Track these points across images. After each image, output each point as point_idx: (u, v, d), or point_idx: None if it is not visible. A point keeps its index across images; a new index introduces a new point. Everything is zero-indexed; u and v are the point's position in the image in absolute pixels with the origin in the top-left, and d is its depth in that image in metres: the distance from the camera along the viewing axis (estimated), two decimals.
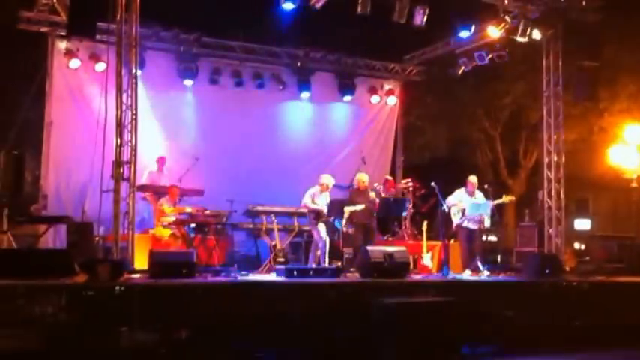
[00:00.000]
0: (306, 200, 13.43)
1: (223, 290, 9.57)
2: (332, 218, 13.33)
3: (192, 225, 13.38)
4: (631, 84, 21.12)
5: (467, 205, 13.82)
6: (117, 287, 8.76)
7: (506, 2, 15.10)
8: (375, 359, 9.79)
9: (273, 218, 14.26)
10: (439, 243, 14.63)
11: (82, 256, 10.15)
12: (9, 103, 15.39)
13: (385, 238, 15.03)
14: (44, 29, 15.01)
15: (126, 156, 11.42)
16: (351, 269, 12.55)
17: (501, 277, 13.28)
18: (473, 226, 13.88)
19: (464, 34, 15.56)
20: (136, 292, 8.78)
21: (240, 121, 17.43)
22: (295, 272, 11.07)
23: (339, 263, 12.95)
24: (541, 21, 15.33)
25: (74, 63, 15.28)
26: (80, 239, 11.64)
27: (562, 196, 15.76)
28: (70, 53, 15.24)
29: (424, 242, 14.00)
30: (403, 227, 15.59)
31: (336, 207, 13.34)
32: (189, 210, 13.45)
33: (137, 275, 10.49)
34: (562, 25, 15.68)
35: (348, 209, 13.57)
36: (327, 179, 13.70)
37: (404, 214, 15.32)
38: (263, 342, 9.38)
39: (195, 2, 16.10)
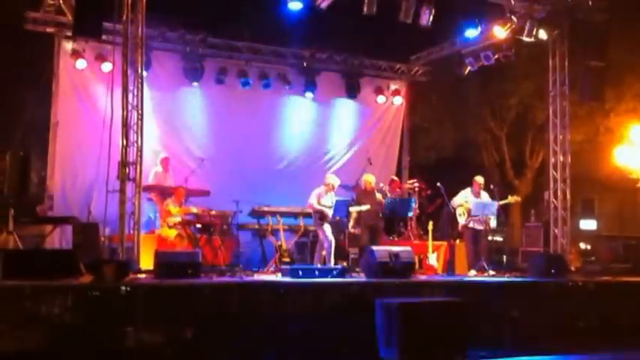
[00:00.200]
0: (312, 200, 13.43)
1: (229, 291, 9.56)
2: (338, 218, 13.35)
3: (198, 225, 13.39)
4: (637, 84, 21.10)
5: (472, 204, 13.81)
6: (122, 288, 8.78)
7: (512, 2, 15.08)
8: (380, 359, 9.80)
9: (279, 218, 14.27)
10: (445, 243, 14.64)
11: (88, 257, 10.17)
12: (15, 104, 15.41)
13: (391, 238, 15.03)
14: (50, 30, 15.03)
15: (132, 156, 11.42)
16: (357, 269, 12.55)
17: (507, 277, 13.24)
18: (479, 227, 13.87)
19: (471, 32, 15.51)
20: (141, 293, 8.79)
21: (246, 121, 17.44)
22: (301, 272, 11.08)
23: (345, 263, 12.95)
24: (547, 21, 15.33)
25: (80, 63, 15.30)
26: (86, 240, 11.67)
27: (568, 196, 15.74)
28: (76, 54, 15.25)
29: (430, 242, 14.00)
30: (409, 227, 15.59)
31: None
32: (195, 210, 13.46)
33: (143, 275, 10.52)
34: (568, 25, 15.66)
35: (353, 209, 13.59)
36: (333, 179, 13.70)
37: (409, 214, 15.31)
38: (268, 342, 9.40)
39: (201, 2, 16.11)
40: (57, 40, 15.19)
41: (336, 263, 13.09)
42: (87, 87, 15.54)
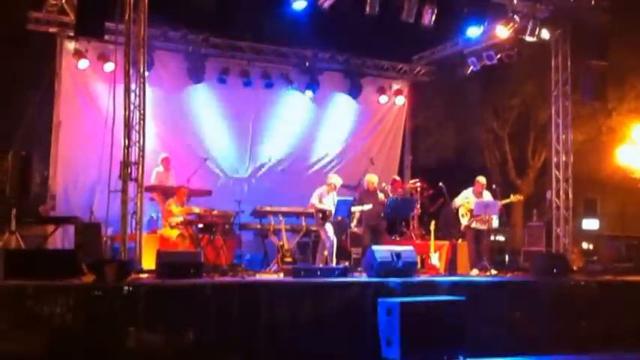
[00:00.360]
0: (314, 200, 13.42)
1: (231, 291, 9.57)
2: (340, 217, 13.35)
3: (200, 225, 13.36)
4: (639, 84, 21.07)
5: (474, 204, 13.79)
6: (124, 287, 8.78)
7: (515, 2, 15.07)
8: (382, 359, 9.80)
9: (281, 218, 14.29)
10: (447, 243, 14.63)
11: (90, 257, 10.17)
12: (17, 104, 15.39)
13: (393, 238, 15.02)
14: (53, 30, 15.06)
15: (134, 156, 11.42)
16: (359, 269, 12.55)
17: (509, 277, 13.24)
18: (481, 227, 13.85)
19: (473, 31, 15.48)
20: (143, 293, 8.80)
21: (248, 121, 17.48)
22: (303, 272, 11.06)
23: (347, 263, 12.95)
24: (550, 20, 15.32)
25: (82, 63, 15.33)
26: (88, 240, 11.65)
27: (570, 195, 15.73)
28: (78, 53, 15.28)
29: (432, 242, 13.99)
30: (411, 227, 15.58)
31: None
32: (197, 210, 13.45)
33: (145, 275, 10.50)
34: (571, 25, 15.65)
35: (355, 209, 13.60)
36: (335, 179, 13.70)
37: (412, 213, 15.31)
38: (269, 342, 9.40)
39: (203, 2, 16.10)
40: (59, 40, 15.23)
41: (337, 263, 13.09)
42: (89, 87, 15.57)
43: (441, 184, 14.67)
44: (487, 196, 14.03)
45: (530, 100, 22.23)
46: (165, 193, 14.16)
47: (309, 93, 18.00)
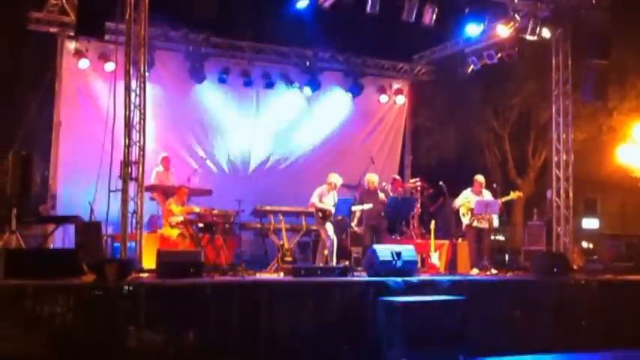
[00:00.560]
0: (314, 199, 13.41)
1: (231, 290, 9.57)
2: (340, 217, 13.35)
3: (200, 225, 13.36)
4: None
5: (475, 203, 13.78)
6: (125, 287, 8.79)
7: (515, 1, 15.09)
8: (383, 358, 9.80)
9: (281, 218, 14.29)
10: (447, 242, 14.63)
11: (90, 256, 10.17)
12: (18, 104, 15.42)
13: (393, 237, 15.02)
14: (53, 30, 15.09)
15: (134, 156, 11.42)
16: (359, 268, 12.55)
17: (509, 276, 13.24)
18: (482, 225, 13.83)
19: (472, 29, 15.47)
20: (143, 292, 8.80)
21: (248, 120, 17.49)
22: (303, 272, 11.06)
23: (347, 262, 12.94)
24: (551, 19, 15.32)
25: (83, 63, 15.35)
26: (88, 239, 11.64)
27: (571, 194, 15.72)
28: (79, 53, 15.30)
29: (432, 241, 13.99)
30: (411, 226, 15.58)
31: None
32: (197, 210, 13.46)
33: (145, 275, 10.50)
34: (572, 24, 15.64)
35: (356, 208, 13.60)
36: (335, 178, 13.69)
37: (412, 213, 15.31)
38: (270, 341, 9.41)
39: (204, 2, 16.10)
40: (60, 39, 15.25)
41: (338, 262, 13.09)
42: (90, 87, 15.60)
43: (441, 183, 14.66)
44: (487, 194, 14.03)
45: (531, 99, 22.26)
46: (166, 192, 14.15)
47: (309, 92, 18.00)
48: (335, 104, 18.76)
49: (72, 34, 14.94)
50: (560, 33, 15.71)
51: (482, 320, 10.64)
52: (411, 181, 17.01)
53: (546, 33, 15.39)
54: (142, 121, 11.65)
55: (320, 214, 13.39)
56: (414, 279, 11.10)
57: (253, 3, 16.17)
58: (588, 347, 11.33)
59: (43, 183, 14.99)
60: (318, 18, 15.06)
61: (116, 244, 12.65)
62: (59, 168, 15.17)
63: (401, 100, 19.29)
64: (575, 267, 14.56)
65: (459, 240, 14.74)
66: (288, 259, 13.28)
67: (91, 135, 14.28)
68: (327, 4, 14.09)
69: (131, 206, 11.33)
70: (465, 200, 13.95)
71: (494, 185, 14.43)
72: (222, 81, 17.01)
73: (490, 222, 13.83)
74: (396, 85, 19.29)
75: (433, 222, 14.25)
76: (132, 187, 11.36)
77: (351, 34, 17.88)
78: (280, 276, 11.82)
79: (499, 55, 16.44)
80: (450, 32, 17.19)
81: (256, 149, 17.54)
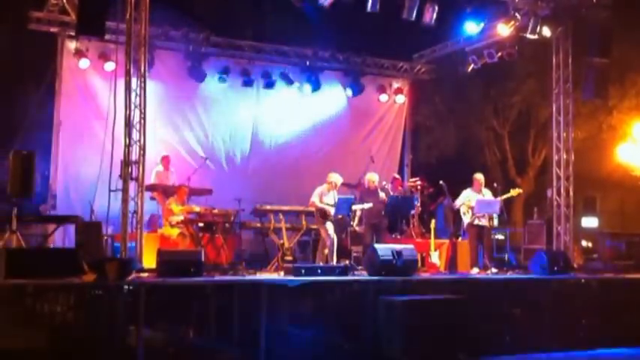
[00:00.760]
0: (314, 199, 13.40)
1: (231, 289, 9.58)
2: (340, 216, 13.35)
3: (201, 224, 13.37)
4: None
5: (475, 202, 13.76)
6: (125, 286, 8.81)
7: (516, 0, 15.09)
8: (383, 357, 9.81)
9: (281, 217, 14.27)
10: (447, 241, 14.63)
11: (91, 256, 10.19)
12: (19, 103, 15.44)
13: (393, 236, 15.02)
14: (54, 29, 15.11)
15: (134, 155, 11.43)
16: (359, 267, 12.56)
17: (509, 274, 13.24)
18: (483, 223, 13.81)
19: (472, 27, 15.45)
20: (143, 291, 8.82)
21: (248, 119, 17.50)
22: (303, 271, 11.04)
23: (347, 262, 12.95)
24: (551, 18, 15.30)
25: (83, 63, 15.35)
26: (89, 238, 11.66)
27: (571, 193, 15.72)
28: (79, 53, 15.30)
29: (432, 240, 13.99)
30: (411, 225, 15.58)
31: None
32: (197, 209, 13.46)
33: (145, 274, 10.51)
34: (572, 22, 15.63)
35: (356, 207, 13.60)
36: (335, 177, 13.67)
37: (412, 212, 15.31)
38: (270, 340, 9.42)
39: (204, 1, 16.12)
40: (60, 39, 15.25)
41: (338, 261, 13.08)
42: (90, 86, 15.60)
43: (441, 182, 14.67)
44: (487, 193, 14.01)
45: (531, 97, 22.23)
46: (166, 192, 14.17)
47: (309, 91, 18.00)
48: (335, 103, 18.76)
49: (72, 33, 14.92)
50: (561, 31, 15.70)
51: (483, 319, 10.64)
52: (411, 180, 17.02)
53: (547, 31, 15.38)
54: (142, 121, 11.66)
55: (320, 214, 13.37)
56: (415, 278, 11.11)
57: (253, 2, 16.17)
58: (588, 346, 11.34)
59: (44, 182, 15.00)
60: (318, 17, 15.04)
61: (116, 244, 12.65)
62: (59, 167, 15.19)
63: (401, 99, 19.29)
64: (575, 265, 14.56)
65: (459, 239, 14.74)
66: (289, 258, 13.26)
67: (91, 134, 14.35)
68: (327, 3, 14.04)
69: (131, 206, 11.35)
70: (466, 199, 13.94)
71: (495, 184, 14.42)
72: (222, 80, 17.01)
73: (490, 219, 13.82)
74: (396, 84, 19.29)
75: (433, 221, 14.26)
76: (132, 187, 11.37)
77: (351, 33, 17.89)
78: (280, 275, 11.82)
79: (499, 53, 16.45)
80: (451, 31, 17.15)
81: (256, 149, 17.54)
